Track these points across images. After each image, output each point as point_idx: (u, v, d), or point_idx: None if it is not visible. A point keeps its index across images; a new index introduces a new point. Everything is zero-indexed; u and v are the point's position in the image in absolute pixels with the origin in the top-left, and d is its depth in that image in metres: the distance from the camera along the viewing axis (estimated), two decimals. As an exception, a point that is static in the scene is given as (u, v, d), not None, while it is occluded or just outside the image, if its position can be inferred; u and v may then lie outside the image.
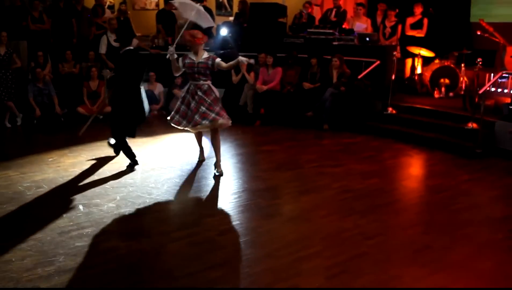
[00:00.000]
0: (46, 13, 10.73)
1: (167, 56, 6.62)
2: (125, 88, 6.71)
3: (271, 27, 10.91)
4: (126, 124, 6.78)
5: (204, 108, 6.36)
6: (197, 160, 7.15)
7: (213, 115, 6.35)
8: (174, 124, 6.62)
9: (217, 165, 6.62)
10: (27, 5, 10.77)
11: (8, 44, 9.71)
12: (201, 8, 7.12)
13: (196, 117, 6.36)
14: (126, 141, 6.82)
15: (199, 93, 6.42)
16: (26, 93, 9.58)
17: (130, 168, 6.76)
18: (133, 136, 6.89)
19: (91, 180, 6.28)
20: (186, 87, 6.62)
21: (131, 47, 6.78)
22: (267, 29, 10.84)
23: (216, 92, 6.56)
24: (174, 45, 6.73)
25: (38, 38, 10.50)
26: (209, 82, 6.52)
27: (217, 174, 6.54)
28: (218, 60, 6.50)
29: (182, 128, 6.65)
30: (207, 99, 6.41)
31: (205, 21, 7.31)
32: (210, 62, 6.46)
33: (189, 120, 6.46)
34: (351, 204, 5.67)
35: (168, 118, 6.72)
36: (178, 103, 6.66)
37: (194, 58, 6.51)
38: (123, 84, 6.72)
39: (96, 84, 10.06)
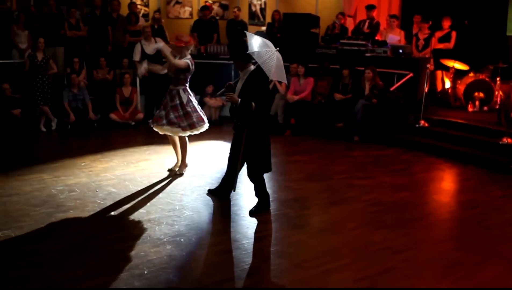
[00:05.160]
0: (83, 21, 10.95)
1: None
2: None
3: (303, 37, 10.92)
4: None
5: (163, 113, 6.56)
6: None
7: (164, 121, 6.51)
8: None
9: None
10: (64, 13, 10.99)
11: (45, 50, 9.92)
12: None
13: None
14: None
15: (168, 97, 6.61)
16: (61, 98, 9.78)
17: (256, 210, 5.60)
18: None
19: (122, 185, 6.36)
20: None
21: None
22: (300, 40, 10.85)
23: (184, 98, 6.56)
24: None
25: (74, 45, 10.71)
26: (178, 88, 6.57)
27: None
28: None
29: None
30: (169, 103, 6.56)
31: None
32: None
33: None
34: (380, 217, 5.62)
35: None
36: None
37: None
38: None
39: (128, 90, 10.20)
